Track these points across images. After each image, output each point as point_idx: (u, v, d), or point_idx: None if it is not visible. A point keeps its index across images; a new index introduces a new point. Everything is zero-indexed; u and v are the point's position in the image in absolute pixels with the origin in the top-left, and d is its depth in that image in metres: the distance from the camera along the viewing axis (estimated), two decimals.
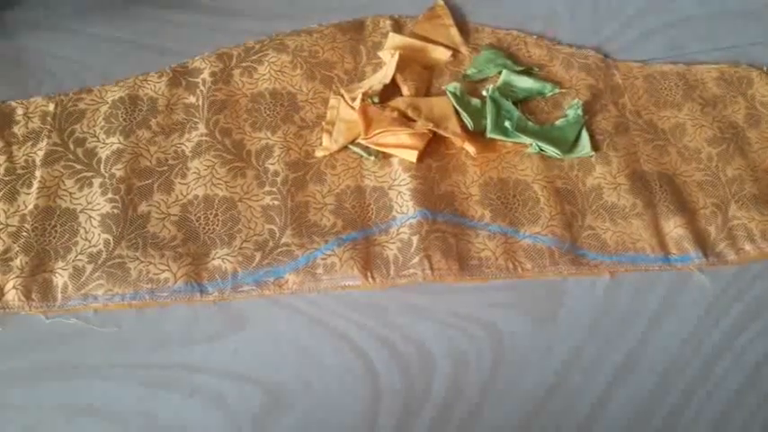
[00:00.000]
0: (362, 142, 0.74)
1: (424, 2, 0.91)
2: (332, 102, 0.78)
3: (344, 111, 0.76)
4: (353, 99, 0.76)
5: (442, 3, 0.91)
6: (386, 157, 0.74)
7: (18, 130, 0.74)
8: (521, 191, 0.73)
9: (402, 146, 0.73)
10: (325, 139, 0.74)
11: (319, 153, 0.74)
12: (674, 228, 0.71)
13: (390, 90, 0.79)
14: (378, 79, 0.80)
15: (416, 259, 0.66)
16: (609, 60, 0.87)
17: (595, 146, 0.77)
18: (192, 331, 0.63)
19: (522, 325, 0.66)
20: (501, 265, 0.67)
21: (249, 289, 0.65)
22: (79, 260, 0.65)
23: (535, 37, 0.89)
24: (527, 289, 0.68)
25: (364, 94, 0.76)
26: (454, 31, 0.88)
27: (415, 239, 0.67)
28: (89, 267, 0.64)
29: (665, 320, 0.67)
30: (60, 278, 0.63)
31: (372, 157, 0.74)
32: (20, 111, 0.75)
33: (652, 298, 0.68)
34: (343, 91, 0.78)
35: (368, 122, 0.73)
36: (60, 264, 0.64)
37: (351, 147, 0.74)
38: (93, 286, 0.63)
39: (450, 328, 0.65)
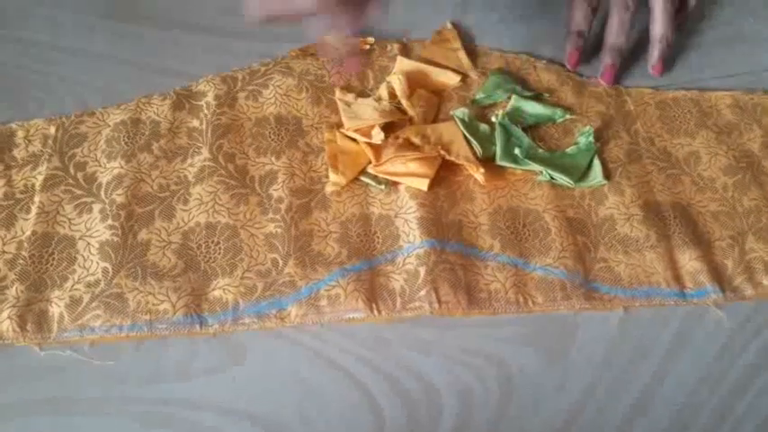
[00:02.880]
0: (371, 171, 0.72)
1: (432, 25, 0.90)
2: (327, 135, 0.76)
3: (343, 143, 0.74)
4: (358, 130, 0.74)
5: (450, 26, 0.90)
6: (395, 185, 0.72)
7: (18, 153, 0.72)
8: (531, 220, 0.71)
9: (412, 174, 0.71)
10: (332, 174, 0.72)
11: (329, 188, 0.72)
12: (689, 261, 0.68)
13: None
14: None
15: (423, 292, 0.64)
16: (620, 87, 0.85)
17: (607, 174, 0.75)
18: (190, 364, 0.61)
19: (532, 360, 0.63)
20: (511, 298, 0.65)
21: (250, 321, 0.63)
22: (76, 289, 0.63)
23: (545, 61, 0.87)
24: (538, 323, 0.65)
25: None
26: (462, 55, 0.86)
27: (422, 270, 0.65)
28: (86, 297, 0.62)
29: (681, 357, 0.64)
30: (57, 308, 0.61)
31: (382, 186, 0.72)
32: (20, 133, 0.74)
33: (667, 333, 0.65)
34: (338, 132, 0.76)
35: (376, 151, 0.72)
36: (57, 293, 0.62)
37: (361, 178, 0.72)
38: (90, 317, 0.61)
39: (457, 363, 0.63)
